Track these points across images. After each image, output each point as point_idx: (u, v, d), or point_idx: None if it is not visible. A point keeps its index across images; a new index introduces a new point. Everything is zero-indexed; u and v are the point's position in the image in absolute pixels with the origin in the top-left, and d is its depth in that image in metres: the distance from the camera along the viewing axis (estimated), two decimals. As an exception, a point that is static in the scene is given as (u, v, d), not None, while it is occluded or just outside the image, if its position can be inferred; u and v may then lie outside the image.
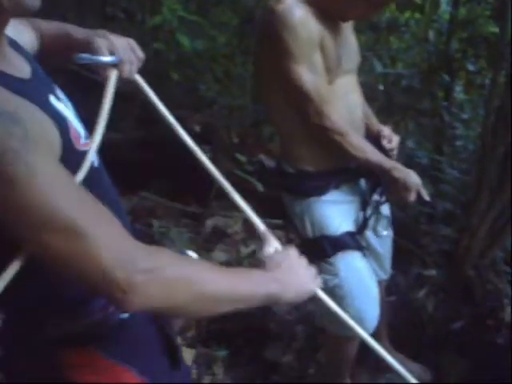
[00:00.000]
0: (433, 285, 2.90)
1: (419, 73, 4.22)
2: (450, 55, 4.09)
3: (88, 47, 1.20)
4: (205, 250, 3.20)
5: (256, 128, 4.01)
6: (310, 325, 2.77)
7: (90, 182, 1.02)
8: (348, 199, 2.09)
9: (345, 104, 2.01)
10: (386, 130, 2.20)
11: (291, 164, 2.08)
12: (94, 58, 1.19)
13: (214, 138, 3.62)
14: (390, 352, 1.72)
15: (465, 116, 4.53)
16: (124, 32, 4.01)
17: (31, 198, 0.83)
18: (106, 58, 1.19)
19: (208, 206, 3.45)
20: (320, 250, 2.02)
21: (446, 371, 2.53)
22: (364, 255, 2.10)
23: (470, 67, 4.34)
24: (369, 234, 2.22)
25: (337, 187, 2.05)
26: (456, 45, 4.13)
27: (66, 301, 1.05)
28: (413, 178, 1.96)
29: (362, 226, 2.11)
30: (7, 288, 0.93)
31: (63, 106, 1.03)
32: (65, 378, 1.09)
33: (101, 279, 0.87)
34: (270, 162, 3.71)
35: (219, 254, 3.15)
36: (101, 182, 1.13)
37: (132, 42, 1.26)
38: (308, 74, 1.87)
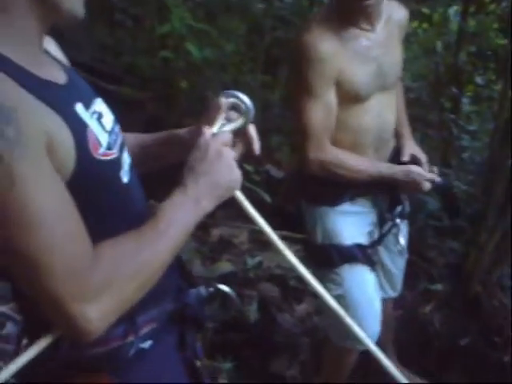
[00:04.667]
0: (439, 300, 2.88)
1: (428, 85, 4.22)
2: (459, 67, 4.08)
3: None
4: (210, 260, 3.18)
5: (264, 137, 3.98)
6: (316, 337, 2.75)
7: (113, 197, 1.03)
8: (363, 211, 2.09)
9: (375, 123, 2.00)
10: (408, 153, 2.15)
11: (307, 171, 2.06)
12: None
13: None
14: (396, 367, 1.70)
15: (471, 128, 4.52)
16: (132, 39, 4.01)
17: (5, 208, 0.82)
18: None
19: (214, 215, 3.43)
20: (327, 258, 2.02)
21: (452, 388, 2.51)
22: (372, 270, 2.08)
23: (478, 80, 4.34)
24: (382, 249, 2.20)
25: (352, 200, 2.05)
26: (464, 57, 4.13)
27: None
28: (413, 172, 1.98)
29: (375, 241, 2.10)
30: (25, 307, 0.95)
31: (89, 116, 1.01)
32: None
33: (57, 312, 0.89)
34: (276, 172, 3.69)
35: (225, 265, 3.13)
36: (127, 199, 1.10)
37: None
38: (315, 109, 1.89)
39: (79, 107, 1.00)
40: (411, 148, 2.19)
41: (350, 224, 2.04)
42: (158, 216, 1.01)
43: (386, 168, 2.00)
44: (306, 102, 1.88)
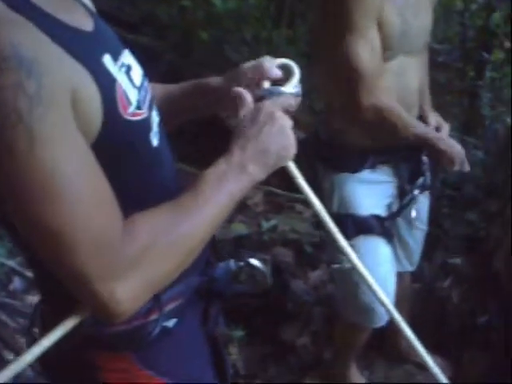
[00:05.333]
0: (458, 275, 2.79)
1: (454, 49, 4.05)
2: (490, 31, 3.90)
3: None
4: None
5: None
6: (328, 307, 2.69)
7: (142, 162, 0.93)
8: (384, 180, 1.99)
9: (399, 86, 1.89)
10: (434, 120, 2.07)
11: (330, 134, 1.98)
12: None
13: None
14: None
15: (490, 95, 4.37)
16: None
17: (24, 174, 0.73)
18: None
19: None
20: (342, 228, 1.91)
21: (468, 367, 2.44)
22: (389, 242, 2.00)
23: (507, 44, 4.16)
24: (401, 222, 2.11)
25: (373, 167, 1.96)
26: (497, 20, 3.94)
27: None
28: (457, 149, 1.92)
29: (394, 213, 2.01)
30: (48, 279, 0.86)
31: (117, 69, 0.89)
32: (97, 379, 1.00)
33: (83, 291, 0.80)
34: (298, 133, 3.56)
35: (239, 226, 3.04)
36: (156, 164, 1.00)
37: None
38: (363, 49, 1.76)
39: (107, 59, 0.88)
40: (434, 117, 2.10)
41: (369, 193, 1.95)
42: (198, 186, 0.90)
43: (432, 132, 1.92)
44: (353, 42, 1.74)
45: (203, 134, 3.45)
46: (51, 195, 0.74)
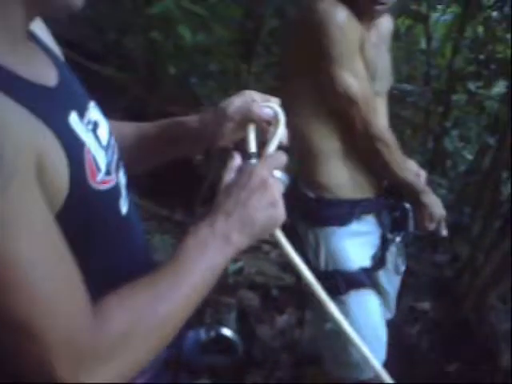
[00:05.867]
0: (427, 321, 2.74)
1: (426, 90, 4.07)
2: (454, 73, 3.94)
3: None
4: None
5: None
6: (296, 353, 2.59)
7: (111, 233, 0.84)
8: (369, 231, 1.93)
9: None
10: (414, 166, 2.02)
11: (311, 188, 1.87)
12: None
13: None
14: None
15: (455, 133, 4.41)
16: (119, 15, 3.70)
17: None
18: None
19: (194, 213, 3.22)
20: (332, 285, 1.82)
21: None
22: (377, 294, 1.95)
23: (471, 86, 4.21)
24: (380, 271, 2.03)
25: (358, 218, 1.89)
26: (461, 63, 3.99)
27: None
28: (439, 207, 1.90)
29: (378, 263, 1.94)
30: None
31: (84, 128, 0.80)
32: None
33: (46, 379, 0.68)
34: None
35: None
36: (125, 233, 0.90)
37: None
38: (353, 79, 1.72)
39: (73, 118, 0.78)
40: (411, 162, 2.03)
41: (356, 246, 1.88)
42: (177, 258, 0.80)
43: (420, 182, 1.89)
44: (340, 72, 1.70)
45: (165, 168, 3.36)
46: (12, 283, 0.64)
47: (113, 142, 0.91)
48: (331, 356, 1.99)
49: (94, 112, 0.88)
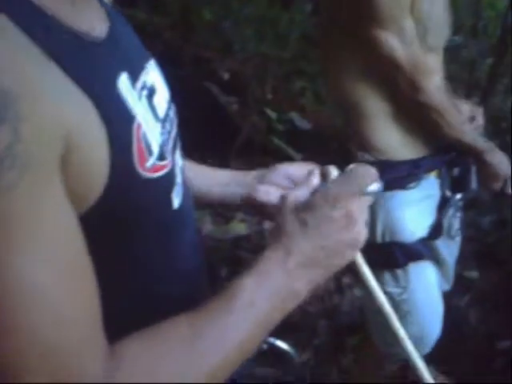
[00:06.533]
0: (477, 291, 2.57)
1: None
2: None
3: None
4: (222, 219, 2.84)
5: (285, 82, 3.60)
6: (335, 320, 2.47)
7: (157, 235, 0.67)
8: (429, 194, 1.78)
9: None
10: (466, 110, 1.85)
11: (366, 151, 1.73)
12: None
13: (243, 89, 3.24)
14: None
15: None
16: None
17: None
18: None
19: (228, 167, 3.08)
20: (390, 258, 1.73)
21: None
22: (435, 265, 1.83)
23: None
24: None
25: (419, 179, 1.74)
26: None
27: None
28: (505, 166, 1.74)
29: (437, 231, 1.78)
30: None
31: (136, 96, 0.62)
32: None
33: None
34: (302, 123, 3.32)
35: (238, 226, 2.78)
36: (174, 233, 0.72)
37: None
38: (398, 41, 1.56)
39: (123, 80, 0.60)
40: (465, 105, 1.89)
41: (414, 214, 1.73)
42: (231, 292, 0.64)
43: (482, 141, 1.72)
44: (384, 34, 1.55)
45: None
46: (10, 317, 0.48)
47: (172, 114, 0.74)
48: (379, 331, 1.87)
49: (152, 73, 0.70)
